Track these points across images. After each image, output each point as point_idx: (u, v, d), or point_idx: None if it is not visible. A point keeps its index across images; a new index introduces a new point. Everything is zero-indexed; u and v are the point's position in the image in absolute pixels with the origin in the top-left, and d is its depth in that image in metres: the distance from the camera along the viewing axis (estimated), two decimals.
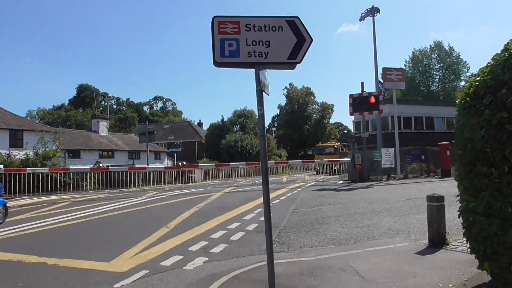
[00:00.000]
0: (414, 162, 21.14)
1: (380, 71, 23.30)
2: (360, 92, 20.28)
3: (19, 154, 22.32)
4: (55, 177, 19.18)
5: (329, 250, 5.93)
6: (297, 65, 4.28)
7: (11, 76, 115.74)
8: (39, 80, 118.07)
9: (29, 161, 21.00)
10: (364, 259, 5.25)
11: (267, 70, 4.36)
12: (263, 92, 4.19)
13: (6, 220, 9.75)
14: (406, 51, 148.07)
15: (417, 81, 57.97)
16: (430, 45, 58.52)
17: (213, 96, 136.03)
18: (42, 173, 18.62)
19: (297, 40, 4.19)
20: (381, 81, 28.73)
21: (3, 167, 17.67)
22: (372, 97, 19.24)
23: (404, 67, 50.55)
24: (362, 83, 21.53)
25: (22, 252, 6.34)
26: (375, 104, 19.13)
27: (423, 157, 21.09)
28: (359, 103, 19.36)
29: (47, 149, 22.12)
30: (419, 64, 57.96)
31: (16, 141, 27.98)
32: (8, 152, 22.48)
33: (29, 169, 18.38)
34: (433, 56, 58.15)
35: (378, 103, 19.17)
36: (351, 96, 19.68)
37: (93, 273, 5.15)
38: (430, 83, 59.17)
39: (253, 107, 62.96)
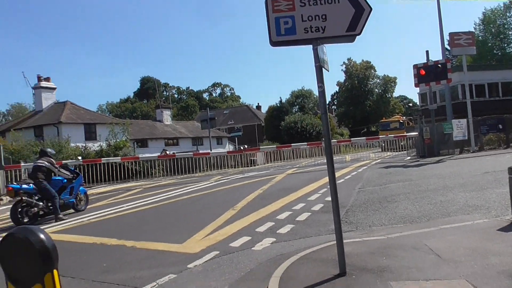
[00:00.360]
0: (490, 133, 19.54)
1: (446, 37, 21.68)
2: (425, 62, 19.04)
3: (93, 146, 24.08)
4: (126, 165, 20.38)
5: (400, 229, 5.69)
6: (357, 37, 4.08)
7: (81, 74, 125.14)
8: (106, 76, 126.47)
9: (103, 152, 22.45)
10: (439, 237, 4.96)
11: (325, 45, 4.21)
12: (323, 68, 4.05)
13: (88, 206, 10.65)
14: (475, 12, 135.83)
15: (489, 44, 52.90)
16: (504, 3, 52.96)
17: (270, 79, 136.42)
18: (115, 162, 19.89)
19: (355, 10, 3.97)
20: (448, 47, 26.75)
21: (81, 159, 19.15)
22: (439, 65, 18.00)
23: (473, 30, 46.37)
24: (427, 52, 20.19)
25: (104, 236, 6.84)
26: (443, 73, 17.91)
27: (500, 126, 19.39)
28: (424, 73, 18.24)
29: (118, 140, 23.49)
30: (491, 25, 52.71)
31: (90, 134, 30.37)
32: (84, 145, 24.44)
33: (103, 159, 19.69)
34: (508, 14, 52.62)
35: (446, 72, 17.93)
36: (415, 66, 18.58)
37: (168, 254, 5.43)
38: (506, 45, 53.71)
39: (310, 86, 62.21)
